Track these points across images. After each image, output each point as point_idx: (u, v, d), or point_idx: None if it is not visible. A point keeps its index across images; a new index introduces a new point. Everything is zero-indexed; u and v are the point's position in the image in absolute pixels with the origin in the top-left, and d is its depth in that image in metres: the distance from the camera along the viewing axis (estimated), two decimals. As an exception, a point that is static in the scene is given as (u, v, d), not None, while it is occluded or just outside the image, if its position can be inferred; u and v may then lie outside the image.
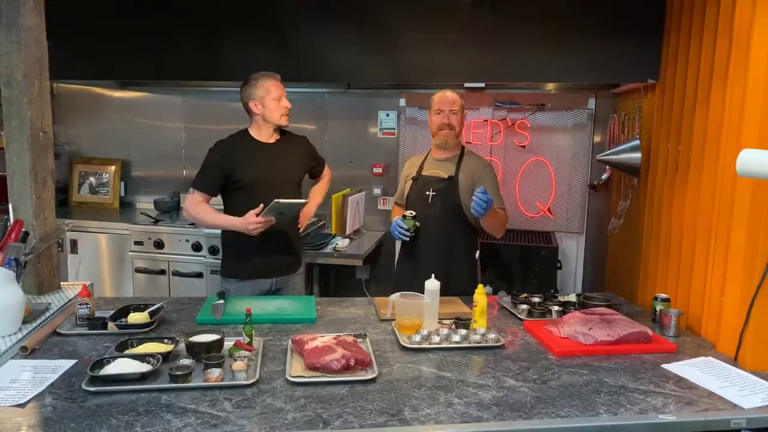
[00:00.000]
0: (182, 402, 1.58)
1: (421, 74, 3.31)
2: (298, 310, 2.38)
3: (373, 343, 2.00)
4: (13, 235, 2.12)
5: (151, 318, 2.14)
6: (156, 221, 4.02)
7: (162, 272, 3.81)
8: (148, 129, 4.58)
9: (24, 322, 2.04)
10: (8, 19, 2.25)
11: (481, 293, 2.14)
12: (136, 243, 3.85)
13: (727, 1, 2.16)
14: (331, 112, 4.31)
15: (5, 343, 1.90)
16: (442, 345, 2.00)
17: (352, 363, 1.76)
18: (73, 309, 2.16)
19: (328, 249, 3.60)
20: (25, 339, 1.93)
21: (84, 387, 1.62)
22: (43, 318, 2.14)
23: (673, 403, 1.64)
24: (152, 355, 1.77)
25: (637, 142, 3.07)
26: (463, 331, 2.06)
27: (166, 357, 1.80)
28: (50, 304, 2.30)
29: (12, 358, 1.85)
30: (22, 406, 1.55)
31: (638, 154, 3.04)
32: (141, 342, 1.91)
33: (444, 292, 2.24)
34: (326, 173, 3.07)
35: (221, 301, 2.31)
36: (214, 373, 1.68)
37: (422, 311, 2.13)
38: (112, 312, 2.16)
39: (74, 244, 4.00)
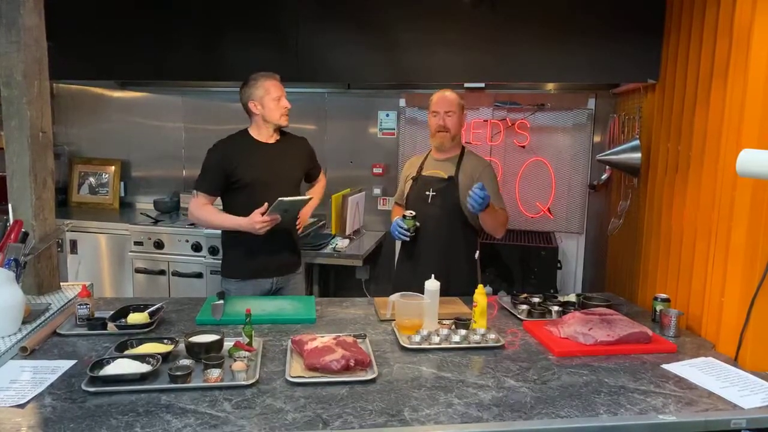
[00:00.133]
0: (182, 402, 1.58)
1: (421, 74, 3.30)
2: (298, 310, 2.38)
3: (372, 344, 2.00)
4: (12, 236, 2.12)
5: (150, 318, 2.14)
6: (156, 221, 4.02)
7: (162, 272, 3.81)
8: (148, 129, 4.58)
9: (24, 323, 2.04)
10: (8, 19, 2.25)
11: (480, 293, 2.14)
12: (136, 243, 3.85)
13: (727, 0, 2.16)
14: (331, 112, 4.31)
15: (5, 344, 1.90)
16: (442, 345, 1.99)
17: (351, 363, 1.76)
18: (73, 309, 2.16)
19: (328, 249, 3.60)
20: (25, 339, 1.93)
21: (84, 387, 1.62)
22: (42, 318, 2.14)
23: (673, 403, 1.64)
24: (152, 356, 1.77)
25: (637, 142, 3.07)
26: (463, 332, 2.06)
27: (166, 357, 1.80)
28: (50, 304, 2.30)
29: (12, 358, 1.85)
30: (21, 406, 1.55)
31: (638, 154, 3.04)
32: (141, 342, 1.91)
33: (444, 292, 2.24)
34: (321, 179, 3.06)
35: (221, 302, 2.31)
36: (214, 373, 1.68)
37: (422, 311, 2.13)
38: (112, 312, 2.16)
39: (74, 244, 4.00)
